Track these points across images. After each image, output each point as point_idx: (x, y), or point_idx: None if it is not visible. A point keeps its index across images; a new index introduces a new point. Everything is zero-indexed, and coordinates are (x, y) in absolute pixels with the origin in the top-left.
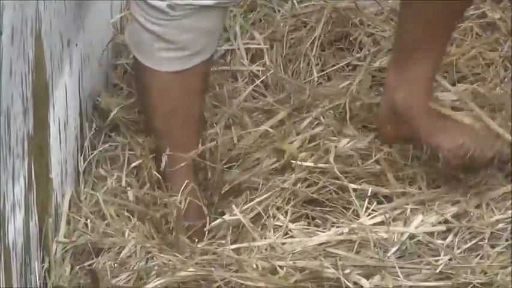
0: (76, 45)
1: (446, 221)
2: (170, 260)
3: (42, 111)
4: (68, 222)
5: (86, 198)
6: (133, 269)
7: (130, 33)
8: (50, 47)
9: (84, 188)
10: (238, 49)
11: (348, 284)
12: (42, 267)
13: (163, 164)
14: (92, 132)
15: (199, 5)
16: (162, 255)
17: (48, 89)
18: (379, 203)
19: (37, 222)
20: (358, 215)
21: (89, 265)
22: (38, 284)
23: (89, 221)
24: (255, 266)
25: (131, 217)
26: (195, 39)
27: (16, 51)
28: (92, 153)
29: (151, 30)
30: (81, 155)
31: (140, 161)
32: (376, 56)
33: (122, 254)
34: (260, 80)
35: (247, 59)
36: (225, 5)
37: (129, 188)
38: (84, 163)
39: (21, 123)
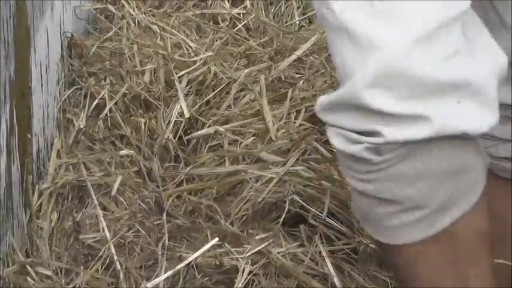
0: None
1: None
2: None
3: (24, 55)
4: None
5: (62, 145)
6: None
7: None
8: None
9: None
10: None
11: None
12: (25, 212)
13: None
14: (72, 75)
15: (413, 139)
16: None
17: (29, 32)
18: None
19: (19, 167)
20: None
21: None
22: (20, 229)
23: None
24: None
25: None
26: (430, 187)
27: None
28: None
29: (361, 192)
30: (60, 99)
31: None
32: None
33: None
34: (242, 24)
35: (228, 2)
36: (466, 135)
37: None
38: (58, 105)
39: (3, 67)
